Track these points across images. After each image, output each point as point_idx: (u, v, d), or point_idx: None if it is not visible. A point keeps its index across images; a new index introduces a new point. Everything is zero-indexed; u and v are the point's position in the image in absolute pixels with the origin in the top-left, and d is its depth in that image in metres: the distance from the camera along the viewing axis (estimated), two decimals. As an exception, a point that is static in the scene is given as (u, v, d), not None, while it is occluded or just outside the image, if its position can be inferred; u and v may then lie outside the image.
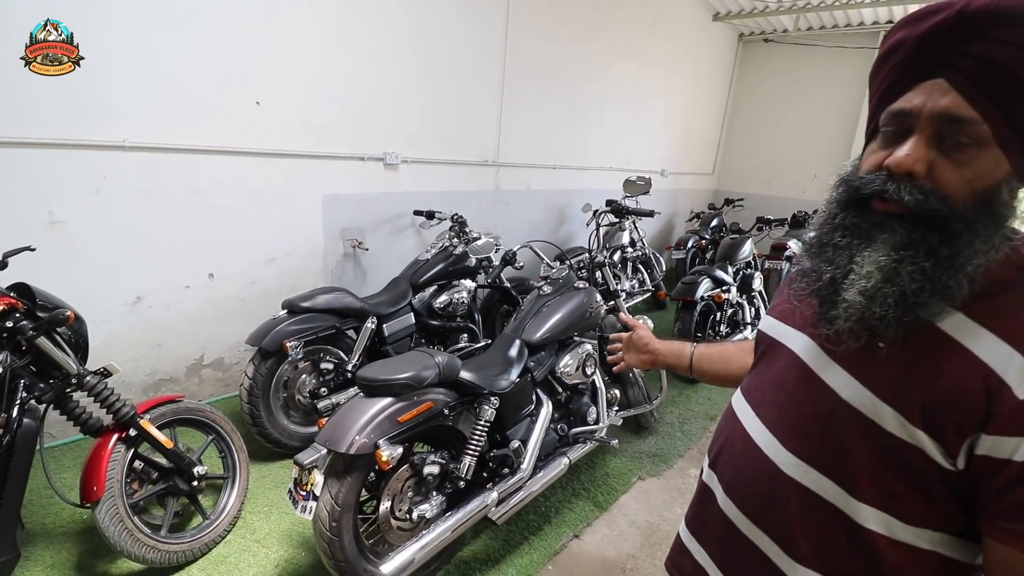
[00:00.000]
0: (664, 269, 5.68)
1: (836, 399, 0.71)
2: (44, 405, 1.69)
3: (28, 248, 1.82)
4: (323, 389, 2.65)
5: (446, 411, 1.88)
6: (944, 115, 0.61)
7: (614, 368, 1.41)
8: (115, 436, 1.81)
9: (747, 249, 4.39)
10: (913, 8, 0.60)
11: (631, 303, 4.88)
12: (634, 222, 5.13)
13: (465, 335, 3.31)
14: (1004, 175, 0.61)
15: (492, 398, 1.99)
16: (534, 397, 2.27)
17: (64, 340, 1.73)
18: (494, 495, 1.98)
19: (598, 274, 3.00)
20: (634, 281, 5.18)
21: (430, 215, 3.62)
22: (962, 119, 0.60)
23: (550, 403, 2.29)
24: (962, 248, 0.61)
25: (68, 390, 1.76)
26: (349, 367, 2.69)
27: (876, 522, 0.68)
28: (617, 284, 2.93)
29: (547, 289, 2.47)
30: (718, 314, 4.01)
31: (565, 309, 2.38)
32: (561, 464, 2.28)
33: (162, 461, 1.94)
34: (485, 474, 2.06)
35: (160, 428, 1.93)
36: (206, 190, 2.81)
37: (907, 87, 0.64)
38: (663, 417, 3.29)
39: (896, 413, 0.65)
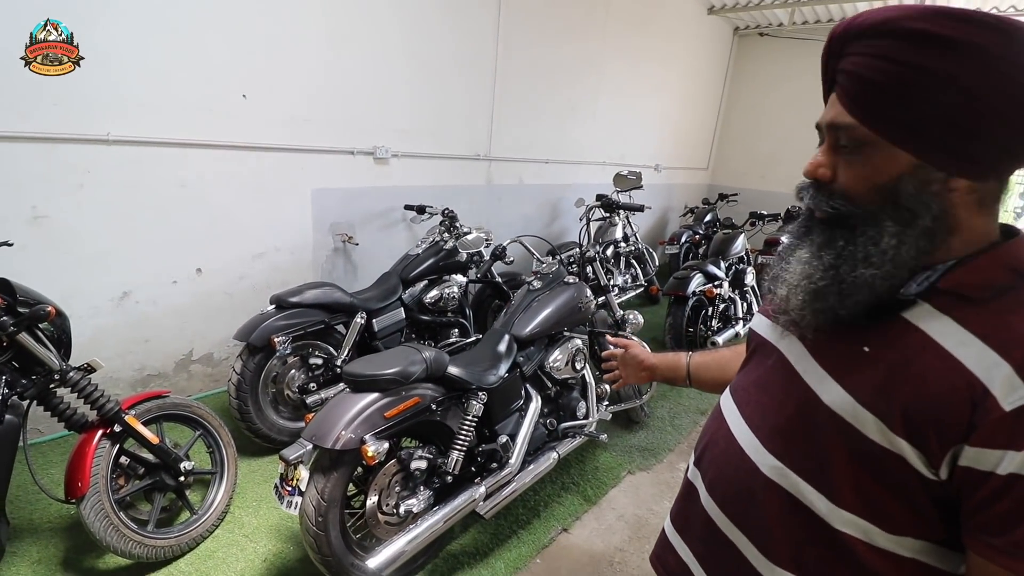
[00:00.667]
0: (657, 264, 5.68)
1: (817, 402, 0.70)
2: (27, 401, 1.68)
3: (5, 243, 1.80)
4: (312, 384, 2.65)
5: (434, 406, 1.88)
6: (831, 124, 0.67)
7: (613, 386, 1.40)
8: (100, 432, 1.80)
9: (740, 244, 4.40)
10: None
11: (624, 298, 4.88)
12: (627, 217, 5.13)
13: (456, 330, 3.31)
14: (904, 169, 0.63)
15: (480, 393, 1.99)
16: (523, 392, 2.27)
17: (46, 336, 1.72)
18: (482, 490, 1.99)
19: (589, 269, 3.00)
20: (627, 276, 5.18)
21: (421, 210, 3.61)
22: (842, 126, 0.65)
23: (539, 398, 2.30)
24: (864, 242, 0.65)
25: (51, 386, 1.75)
26: (338, 362, 2.68)
27: (855, 528, 0.68)
28: (609, 279, 2.93)
29: (537, 284, 2.47)
30: (710, 309, 4.01)
31: (555, 304, 2.38)
32: (550, 459, 2.29)
33: (148, 457, 1.93)
34: (473, 469, 2.06)
35: (146, 424, 1.92)
36: (192, 184, 2.79)
37: (826, 102, 0.71)
38: (653, 412, 3.31)
39: (877, 420, 0.64)
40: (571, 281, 2.53)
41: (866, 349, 0.67)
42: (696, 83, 6.79)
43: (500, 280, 3.57)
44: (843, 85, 0.65)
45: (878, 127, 0.62)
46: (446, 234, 3.38)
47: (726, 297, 4.13)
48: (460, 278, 3.36)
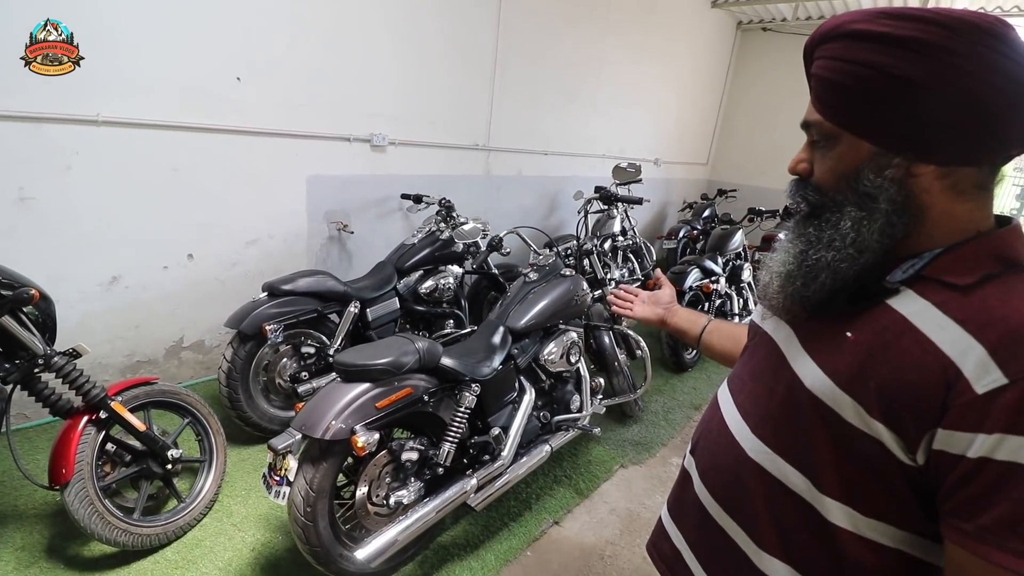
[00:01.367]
0: (655, 258, 5.66)
1: (800, 386, 0.72)
2: (10, 386, 1.65)
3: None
4: (304, 373, 2.62)
5: (426, 397, 1.86)
6: (806, 122, 0.73)
7: (616, 313, 1.37)
8: (85, 418, 1.77)
9: (737, 240, 4.37)
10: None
11: (620, 292, 4.85)
12: (625, 210, 5.09)
13: (451, 321, 3.28)
14: (865, 157, 0.66)
15: (473, 385, 1.97)
16: (517, 384, 2.25)
17: (30, 320, 1.68)
18: (473, 482, 1.97)
19: (586, 262, 2.98)
20: (624, 270, 5.15)
21: (418, 199, 3.57)
22: (812, 123, 0.72)
23: (533, 390, 2.28)
24: (826, 228, 0.70)
25: (35, 371, 1.71)
26: (331, 351, 2.65)
27: (839, 515, 0.68)
28: (606, 272, 2.91)
29: (533, 276, 2.44)
30: (706, 305, 4.00)
31: (551, 296, 2.35)
32: (543, 451, 2.27)
33: (135, 444, 1.91)
34: (465, 460, 2.04)
35: (133, 410, 1.89)
36: (184, 168, 2.74)
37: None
38: (647, 406, 3.29)
39: (854, 403, 0.65)
40: (568, 274, 2.50)
41: (849, 334, 0.68)
42: (698, 77, 6.74)
43: (496, 271, 3.54)
44: (812, 87, 0.72)
45: (837, 121, 0.68)
46: (442, 224, 3.34)
47: (723, 293, 4.12)
48: (456, 269, 3.33)
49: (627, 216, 5.15)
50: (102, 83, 2.39)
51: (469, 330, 2.43)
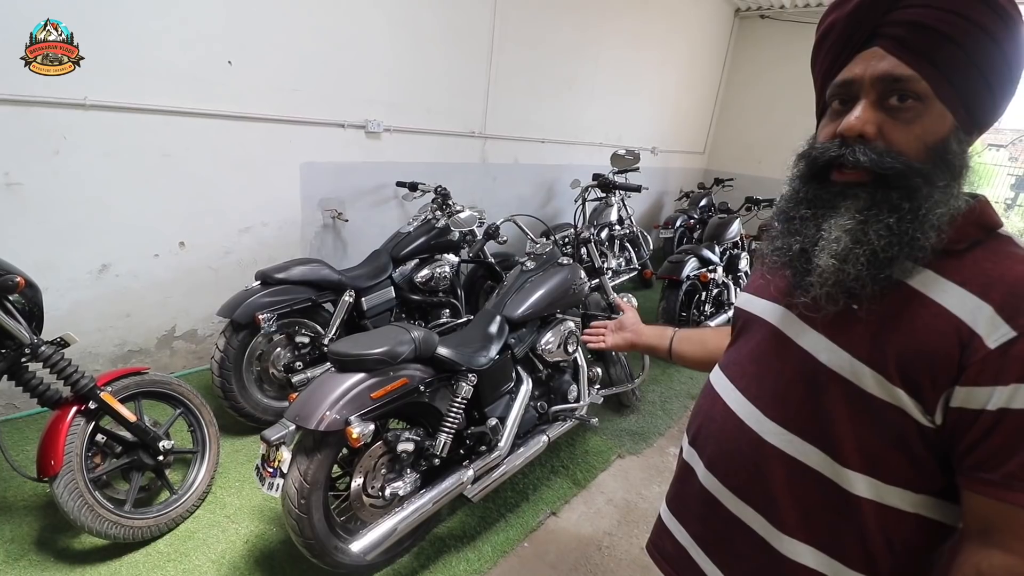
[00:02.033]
0: (651, 248, 5.64)
1: (816, 363, 0.72)
2: (-4, 376, 1.61)
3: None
4: (298, 363, 2.59)
5: (422, 387, 1.83)
6: (885, 76, 0.65)
7: (591, 344, 1.41)
8: (74, 409, 1.73)
9: (735, 229, 4.35)
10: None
11: (617, 281, 4.84)
12: (622, 199, 5.06)
13: (447, 310, 3.25)
14: (950, 128, 0.65)
15: (470, 375, 1.94)
16: (514, 374, 2.23)
17: (16, 308, 1.64)
18: (470, 473, 1.95)
19: (583, 251, 2.94)
20: (621, 259, 5.13)
21: (413, 187, 3.52)
22: (901, 78, 0.64)
23: (530, 380, 2.25)
24: (923, 201, 0.64)
25: (22, 360, 1.68)
26: (325, 341, 2.62)
27: (862, 486, 0.69)
28: (603, 261, 2.87)
29: (530, 265, 2.41)
30: (704, 294, 3.98)
31: (548, 285, 2.32)
32: (540, 442, 2.25)
33: (126, 435, 1.87)
34: (462, 451, 2.02)
35: (124, 401, 1.86)
36: (175, 154, 2.68)
37: (846, 61, 0.69)
38: (645, 396, 3.28)
39: (874, 373, 0.66)
40: (565, 262, 2.47)
41: (855, 307, 0.69)
42: (695, 65, 6.67)
43: (493, 260, 3.50)
44: (898, 36, 0.64)
45: (933, 79, 0.63)
46: (438, 212, 3.30)
47: (720, 282, 4.10)
48: (452, 257, 3.29)
49: (624, 205, 5.12)
50: (89, 65, 2.32)
51: (465, 319, 2.40)
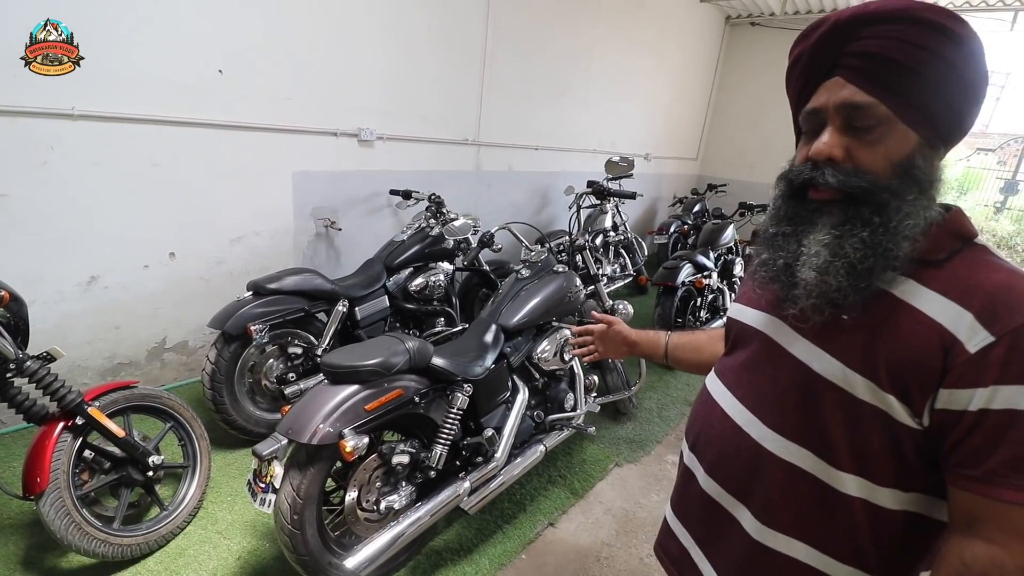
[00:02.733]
0: (646, 254, 5.64)
1: (810, 372, 0.76)
2: (-21, 392, 1.57)
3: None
4: (291, 374, 2.55)
5: (417, 399, 1.80)
6: (845, 104, 0.70)
7: (586, 359, 1.40)
8: (60, 425, 1.69)
9: (729, 235, 4.36)
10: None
11: (612, 287, 4.83)
12: (616, 205, 5.06)
13: (442, 319, 3.22)
14: (914, 146, 0.69)
15: (466, 385, 1.92)
16: (510, 383, 2.20)
17: (1, 323, 1.61)
18: (466, 484, 1.92)
19: (578, 258, 2.93)
20: (616, 265, 5.13)
21: (407, 195, 3.50)
22: (861, 105, 0.69)
23: (526, 389, 2.23)
24: (893, 214, 0.68)
25: (7, 376, 1.64)
26: (319, 352, 2.59)
27: (854, 487, 0.73)
28: (598, 268, 2.86)
29: (525, 272, 2.39)
30: (699, 299, 3.98)
31: (543, 293, 2.30)
32: (537, 452, 2.23)
33: (114, 450, 1.84)
34: (458, 463, 1.99)
35: (112, 415, 1.82)
36: (165, 164, 2.65)
37: (813, 90, 0.75)
38: (642, 403, 3.27)
39: (867, 381, 0.69)
40: (560, 270, 2.46)
41: (844, 318, 0.72)
42: (687, 72, 6.71)
43: (487, 268, 3.49)
44: (856, 67, 0.69)
45: (892, 103, 0.67)
46: (432, 220, 3.28)
47: (715, 288, 4.10)
48: (446, 266, 3.27)
49: (618, 211, 5.13)
50: (78, 74, 2.29)
51: (460, 328, 2.38)
